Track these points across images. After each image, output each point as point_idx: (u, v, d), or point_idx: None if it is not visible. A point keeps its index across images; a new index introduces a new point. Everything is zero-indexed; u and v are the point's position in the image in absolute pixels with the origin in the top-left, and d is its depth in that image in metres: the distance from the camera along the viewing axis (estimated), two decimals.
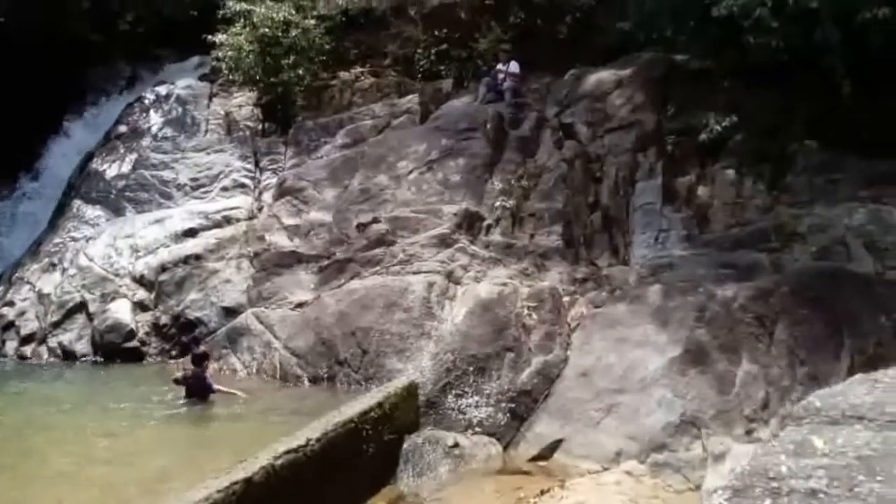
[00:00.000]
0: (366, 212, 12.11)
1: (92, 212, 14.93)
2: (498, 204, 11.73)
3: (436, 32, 15.59)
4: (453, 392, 9.20)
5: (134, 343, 12.27)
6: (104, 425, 8.76)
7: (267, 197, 13.92)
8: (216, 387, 9.73)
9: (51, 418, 9.25)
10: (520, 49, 14.56)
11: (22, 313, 13.43)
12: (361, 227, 11.89)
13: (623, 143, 12.46)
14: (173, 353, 12.12)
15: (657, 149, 12.29)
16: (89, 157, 16.45)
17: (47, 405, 9.82)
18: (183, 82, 17.21)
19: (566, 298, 10.45)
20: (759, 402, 8.15)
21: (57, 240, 14.64)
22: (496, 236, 11.43)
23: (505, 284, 10.37)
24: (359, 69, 16.04)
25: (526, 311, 9.96)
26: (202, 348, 10.42)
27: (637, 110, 12.76)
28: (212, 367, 10.21)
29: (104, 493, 6.64)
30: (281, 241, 12.44)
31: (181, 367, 10.70)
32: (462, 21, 15.60)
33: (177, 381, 9.79)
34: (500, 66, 14.19)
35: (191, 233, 13.48)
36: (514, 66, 14.09)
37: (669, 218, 11.64)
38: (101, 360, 12.28)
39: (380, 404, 7.96)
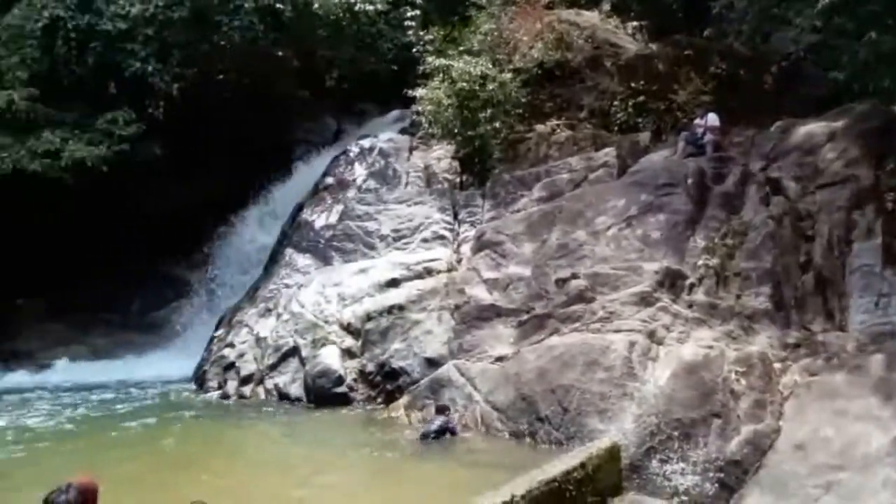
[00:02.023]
0: (564, 267, 12.19)
1: (302, 260, 15.98)
2: (701, 262, 11.45)
3: (632, 84, 15.53)
4: (657, 457, 9.03)
5: (342, 389, 12.89)
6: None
7: (465, 249, 14.31)
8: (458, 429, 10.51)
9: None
10: (721, 100, 14.26)
11: (241, 355, 14.58)
12: (560, 282, 11.97)
13: (837, 199, 11.73)
14: (379, 400, 12.62)
15: (875, 207, 11.47)
16: (300, 207, 17.64)
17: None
18: (385, 135, 18.16)
19: (777, 364, 10.01)
20: None
21: (272, 286, 15.78)
22: (699, 296, 11.14)
23: (710, 347, 10.10)
24: (555, 122, 16.22)
25: (734, 377, 9.65)
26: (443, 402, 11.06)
27: (851, 165, 11.99)
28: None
29: None
30: (480, 294, 12.73)
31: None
32: (660, 73, 15.48)
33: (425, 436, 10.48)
34: (697, 121, 13.92)
35: (393, 283, 14.07)
36: (712, 119, 13.77)
37: (891, 281, 10.83)
38: (313, 403, 12.98)
39: (582, 465, 7.91)
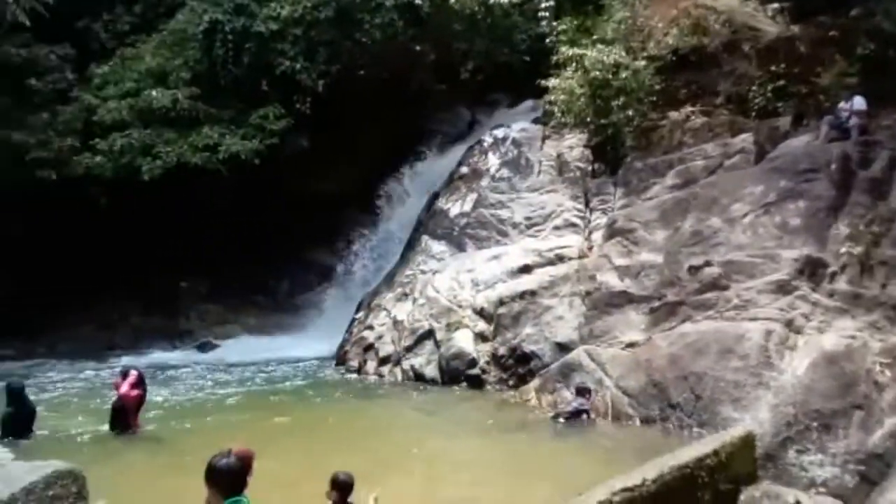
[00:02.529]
0: (697, 254, 12.10)
1: (437, 247, 16.56)
2: (844, 250, 11.07)
3: (772, 68, 15.00)
4: (794, 447, 8.93)
5: (475, 371, 13.39)
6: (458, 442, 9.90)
7: (597, 236, 14.43)
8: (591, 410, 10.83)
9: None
10: (868, 83, 13.57)
11: (380, 337, 15.35)
12: (693, 269, 11.90)
13: None
14: (510, 382, 12.99)
15: None
16: (435, 196, 18.24)
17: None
18: (518, 125, 18.42)
19: None
20: None
21: (408, 272, 16.46)
22: (842, 285, 10.80)
23: (853, 337, 9.84)
24: (689, 108, 15.91)
25: (878, 368, 9.37)
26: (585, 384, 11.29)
27: None
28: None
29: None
30: (611, 280, 12.84)
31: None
32: (802, 55, 14.87)
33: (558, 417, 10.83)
34: (842, 105, 13.36)
35: (525, 269, 14.40)
36: (858, 103, 13.16)
37: None
38: (447, 384, 13.55)
39: (716, 452, 7.89)
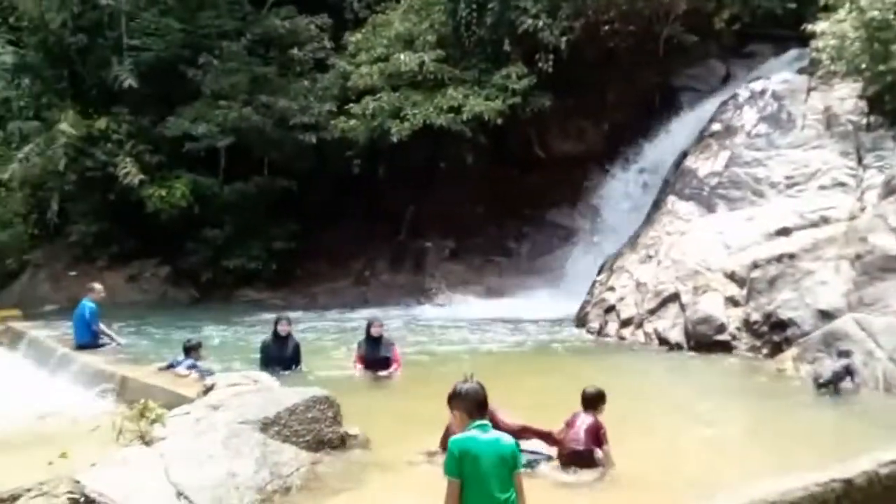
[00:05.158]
0: None
1: (685, 208, 15.71)
2: None
3: None
4: None
5: (724, 336, 12.56)
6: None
7: (870, 196, 12.95)
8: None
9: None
10: None
11: (622, 299, 14.91)
12: None
13: None
14: (763, 350, 12.08)
15: None
16: (684, 155, 17.35)
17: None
18: (778, 77, 16.99)
19: None
20: None
21: (653, 233, 15.81)
22: None
23: None
24: None
25: None
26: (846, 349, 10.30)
27: None
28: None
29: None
30: (888, 243, 11.47)
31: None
32: None
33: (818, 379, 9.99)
34: None
35: (784, 232, 13.30)
36: None
37: None
38: (692, 349, 12.83)
39: None
